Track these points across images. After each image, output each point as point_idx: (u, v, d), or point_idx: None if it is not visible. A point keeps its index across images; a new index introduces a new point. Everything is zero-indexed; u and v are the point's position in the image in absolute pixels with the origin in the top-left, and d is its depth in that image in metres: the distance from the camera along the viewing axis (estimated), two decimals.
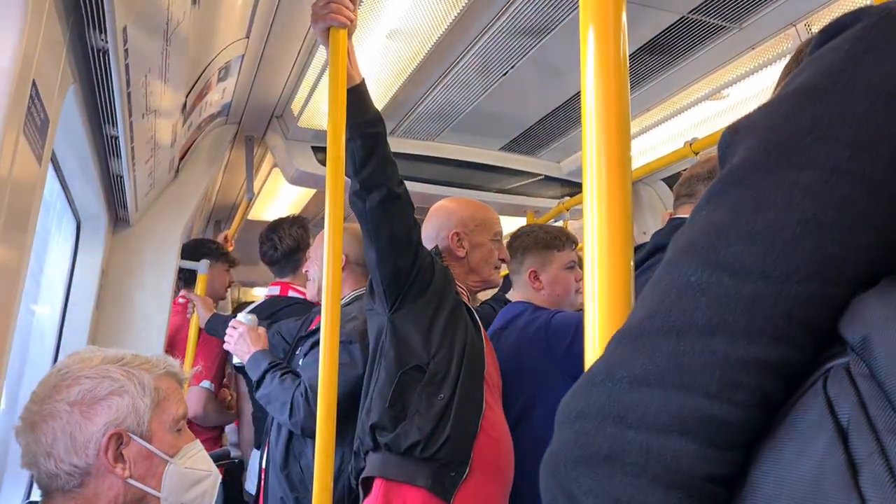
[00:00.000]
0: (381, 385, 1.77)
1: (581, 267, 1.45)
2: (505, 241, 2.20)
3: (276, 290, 2.90)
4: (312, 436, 2.04)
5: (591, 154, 0.78)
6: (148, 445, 1.10)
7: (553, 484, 0.51)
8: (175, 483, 1.12)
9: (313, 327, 2.31)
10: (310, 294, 2.53)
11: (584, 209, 0.79)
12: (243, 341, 2.33)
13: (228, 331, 2.40)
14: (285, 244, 2.86)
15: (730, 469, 0.45)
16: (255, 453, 2.73)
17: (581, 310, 1.40)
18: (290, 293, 2.85)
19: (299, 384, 2.09)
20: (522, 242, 2.35)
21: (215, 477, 1.20)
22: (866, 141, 0.45)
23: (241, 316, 2.43)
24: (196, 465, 1.16)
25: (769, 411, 0.45)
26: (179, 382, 1.20)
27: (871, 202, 0.45)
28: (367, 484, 1.76)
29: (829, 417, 0.41)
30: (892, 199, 0.45)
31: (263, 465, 2.35)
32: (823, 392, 0.43)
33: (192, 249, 3.08)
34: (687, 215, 1.28)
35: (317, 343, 2.16)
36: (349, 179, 1.74)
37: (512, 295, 2.40)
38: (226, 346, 2.42)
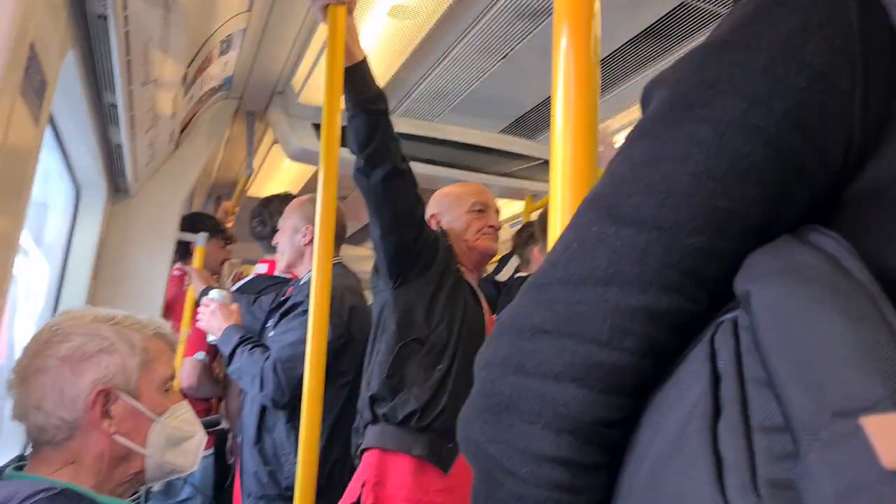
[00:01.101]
0: (380, 358, 1.80)
1: None
2: (506, 224, 2.22)
3: (263, 269, 2.87)
4: (283, 408, 2.07)
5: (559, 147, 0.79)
6: (135, 403, 1.12)
7: (464, 434, 0.52)
8: (160, 441, 1.14)
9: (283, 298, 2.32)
10: (279, 267, 2.51)
11: (549, 207, 0.80)
12: (215, 317, 2.32)
13: (200, 308, 2.40)
14: (274, 220, 2.79)
15: (618, 413, 0.46)
16: None
17: None
18: (277, 272, 2.81)
19: (268, 357, 2.10)
20: (529, 233, 2.38)
21: (201, 437, 1.23)
22: (763, 95, 0.45)
23: (212, 293, 2.43)
24: (182, 424, 1.18)
25: (661, 360, 0.46)
26: (169, 344, 1.22)
27: (763, 157, 0.45)
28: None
29: (709, 366, 0.42)
30: (786, 155, 0.45)
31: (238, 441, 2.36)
32: (710, 343, 0.44)
33: (189, 222, 3.09)
34: None
35: (285, 314, 2.20)
36: (349, 157, 1.76)
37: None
38: (198, 324, 2.41)
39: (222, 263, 3.33)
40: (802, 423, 0.35)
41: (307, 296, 2.05)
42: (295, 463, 2.02)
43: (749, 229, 0.45)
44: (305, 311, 2.06)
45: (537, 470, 0.47)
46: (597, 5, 0.83)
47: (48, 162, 2.06)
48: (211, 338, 2.42)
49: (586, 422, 0.46)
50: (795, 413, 0.35)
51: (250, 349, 2.17)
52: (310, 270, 2.27)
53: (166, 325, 1.22)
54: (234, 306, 2.39)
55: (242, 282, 2.92)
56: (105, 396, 1.09)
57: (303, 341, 1.94)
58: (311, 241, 2.29)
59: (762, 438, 0.37)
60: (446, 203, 2.09)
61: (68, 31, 1.36)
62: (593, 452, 0.47)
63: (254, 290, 2.70)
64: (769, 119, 0.45)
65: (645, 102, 0.52)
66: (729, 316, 0.44)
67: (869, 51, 0.44)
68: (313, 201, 1.95)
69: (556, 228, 0.79)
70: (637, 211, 0.47)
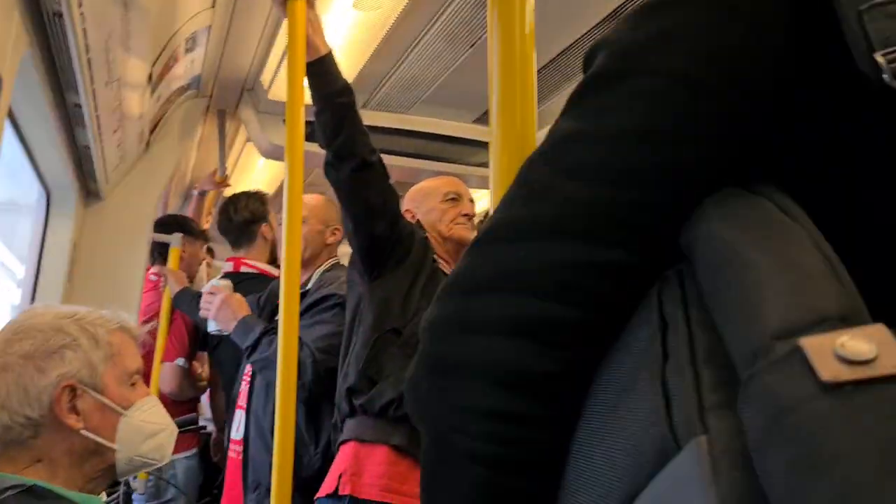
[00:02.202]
0: (357, 349, 1.80)
1: None
2: (480, 215, 2.22)
3: (229, 266, 2.83)
4: (309, 399, 2.05)
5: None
6: (101, 398, 1.12)
7: (411, 396, 0.52)
8: (129, 435, 1.14)
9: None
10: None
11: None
12: (226, 307, 2.26)
13: (205, 297, 2.34)
14: (240, 215, 2.80)
15: (563, 367, 0.46)
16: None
17: None
18: (243, 268, 2.78)
19: (303, 346, 2.06)
20: None
21: (171, 430, 1.22)
22: (705, 50, 0.45)
23: (216, 281, 2.39)
24: (150, 418, 1.18)
25: (609, 315, 0.46)
26: (134, 338, 1.22)
27: (705, 111, 0.45)
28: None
29: (657, 315, 0.43)
30: (728, 109, 0.45)
31: (236, 436, 2.32)
32: (658, 294, 0.44)
33: (165, 225, 3.07)
34: None
35: (313, 305, 2.18)
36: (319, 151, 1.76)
37: None
38: (204, 314, 2.35)
39: (199, 264, 3.31)
40: (744, 352, 0.35)
41: (334, 287, 2.14)
42: (315, 455, 2.03)
43: (690, 183, 0.45)
44: (336, 305, 2.10)
45: (485, 426, 0.47)
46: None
47: (14, 163, 2.04)
48: (213, 327, 2.36)
49: (531, 376, 0.46)
50: (737, 344, 0.36)
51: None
52: (325, 261, 2.32)
53: (129, 319, 1.22)
54: (238, 296, 2.33)
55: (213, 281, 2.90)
56: (71, 392, 1.09)
57: (336, 334, 1.97)
58: (338, 240, 2.35)
59: (707, 374, 0.37)
60: (419, 197, 2.11)
61: (23, 30, 1.35)
62: (541, 406, 0.47)
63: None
64: (710, 72, 0.45)
65: (588, 64, 0.52)
66: (674, 269, 0.45)
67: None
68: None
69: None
70: (579, 164, 0.47)
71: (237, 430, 2.32)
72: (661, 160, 0.45)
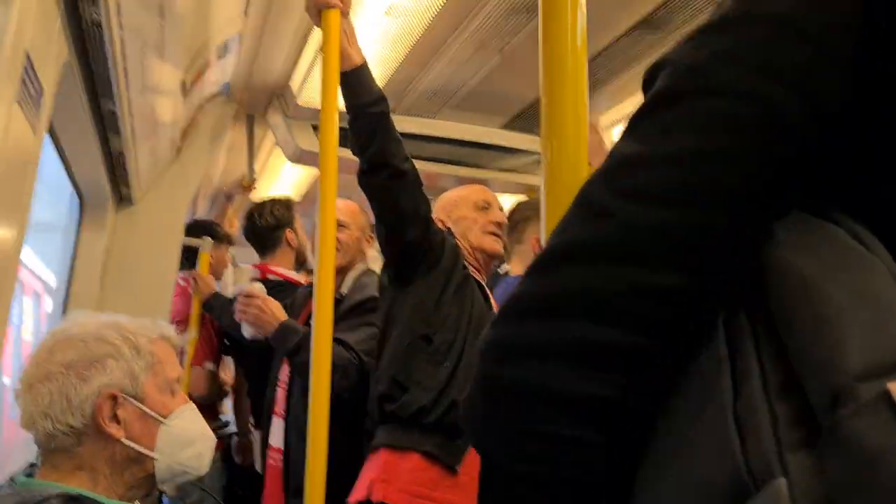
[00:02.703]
0: (388, 356, 1.81)
1: None
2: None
3: (255, 273, 2.82)
4: (349, 400, 2.03)
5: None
6: (142, 407, 1.12)
7: (468, 420, 0.52)
8: (169, 443, 1.15)
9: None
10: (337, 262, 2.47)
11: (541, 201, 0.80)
12: (265, 313, 2.22)
13: (243, 300, 2.28)
14: (265, 221, 2.77)
15: (621, 393, 0.45)
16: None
17: None
18: (269, 276, 2.77)
19: (348, 349, 2.05)
20: (522, 213, 2.37)
21: (210, 438, 1.23)
22: (773, 70, 0.44)
23: (255, 285, 2.35)
24: (189, 426, 1.18)
25: (668, 340, 0.45)
26: (174, 346, 1.22)
27: (773, 132, 0.43)
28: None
29: (724, 345, 0.42)
30: (796, 130, 0.44)
31: (275, 444, 2.29)
32: (723, 323, 0.43)
33: (192, 229, 3.09)
34: None
35: (354, 308, 2.19)
36: (346, 157, 1.76)
37: (515, 269, 2.41)
38: (240, 319, 2.29)
39: (226, 269, 3.33)
40: (823, 392, 0.34)
41: (371, 290, 2.17)
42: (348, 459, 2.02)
43: (756, 206, 0.44)
44: (377, 308, 2.08)
45: (540, 450, 0.47)
46: None
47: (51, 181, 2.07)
48: (248, 332, 2.32)
49: (588, 401, 0.45)
50: (816, 383, 0.35)
51: None
52: (358, 266, 2.34)
53: (170, 328, 1.23)
54: (274, 300, 2.29)
55: (242, 285, 2.90)
56: (112, 401, 1.10)
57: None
58: (370, 246, 2.37)
59: (784, 410, 0.36)
60: (449, 206, 2.12)
61: (64, 38, 1.37)
62: (596, 432, 0.46)
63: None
64: (775, 92, 0.43)
65: (648, 84, 0.51)
66: (741, 296, 0.43)
67: (870, 14, 0.44)
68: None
69: (549, 220, 0.79)
70: (640, 187, 0.45)
71: (276, 438, 2.28)
72: (725, 182, 0.44)
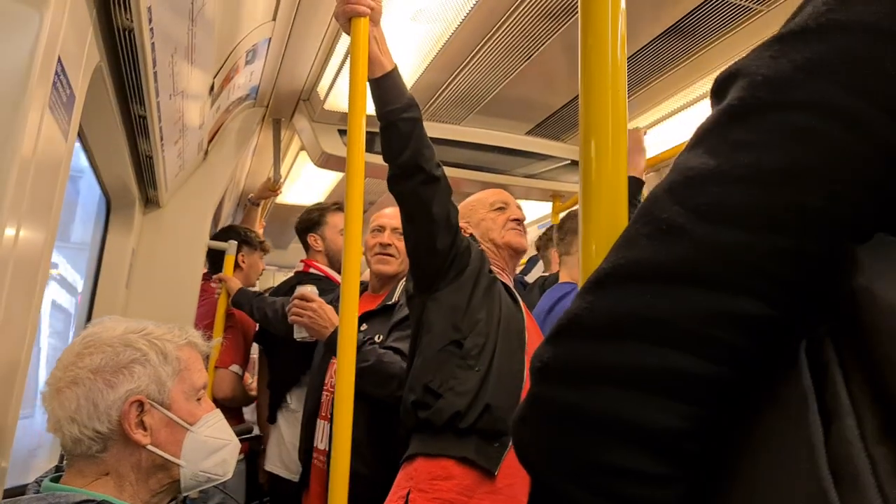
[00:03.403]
0: (420, 363, 1.80)
1: None
2: (534, 226, 2.23)
3: (300, 267, 3.02)
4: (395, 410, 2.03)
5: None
6: (168, 413, 1.12)
7: (519, 438, 0.50)
8: (194, 450, 1.14)
9: (374, 306, 2.33)
10: (393, 268, 2.44)
11: (579, 207, 0.79)
12: (321, 316, 2.25)
13: (298, 303, 2.30)
14: (298, 224, 3.06)
15: (696, 425, 0.42)
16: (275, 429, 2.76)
17: None
18: (311, 270, 2.96)
19: (404, 357, 2.07)
20: (572, 224, 2.40)
21: (234, 445, 1.23)
22: (861, 84, 0.40)
23: (310, 288, 2.35)
24: (215, 433, 1.18)
25: (742, 369, 0.42)
26: (201, 353, 1.22)
27: (860, 150, 0.40)
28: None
29: (807, 377, 0.39)
30: (885, 148, 0.40)
31: (321, 446, 2.30)
32: (805, 352, 0.40)
33: (226, 235, 3.13)
34: None
35: (398, 324, 2.19)
36: (372, 162, 1.75)
37: (563, 276, 2.47)
38: (293, 320, 2.32)
39: (259, 275, 3.37)
40: None
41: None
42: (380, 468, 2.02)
43: (838, 229, 0.41)
44: None
45: (599, 480, 0.44)
46: (622, 3, 0.82)
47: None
48: (300, 334, 2.34)
49: (655, 432, 0.42)
50: None
51: (380, 350, 2.13)
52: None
53: (197, 334, 1.23)
54: (328, 306, 2.31)
55: (285, 279, 3.05)
56: (139, 407, 1.10)
57: None
58: None
59: (883, 455, 0.34)
60: (468, 210, 2.14)
61: (95, 45, 1.37)
62: (664, 465, 0.43)
63: (290, 286, 2.81)
64: (863, 108, 0.40)
65: (720, 93, 0.47)
66: (822, 323, 0.41)
67: None
68: None
69: (587, 232, 0.77)
70: (714, 205, 0.42)
71: (321, 441, 2.32)
72: (806, 203, 0.41)
